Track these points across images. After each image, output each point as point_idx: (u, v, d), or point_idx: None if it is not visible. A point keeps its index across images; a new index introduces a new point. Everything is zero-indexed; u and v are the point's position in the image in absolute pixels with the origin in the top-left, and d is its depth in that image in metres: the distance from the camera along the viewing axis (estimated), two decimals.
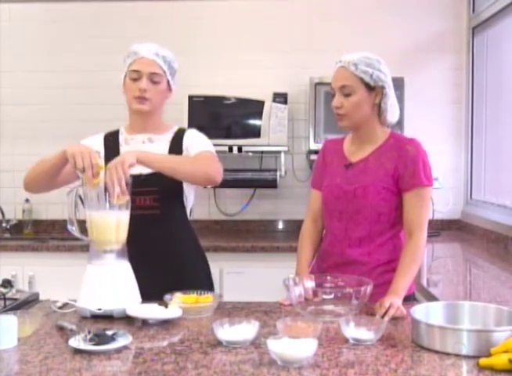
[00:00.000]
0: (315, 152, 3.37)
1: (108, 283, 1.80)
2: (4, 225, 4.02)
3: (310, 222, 2.20)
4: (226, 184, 3.69)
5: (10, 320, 1.56)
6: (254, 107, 3.67)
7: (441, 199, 3.92)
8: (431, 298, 2.21)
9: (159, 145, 2.16)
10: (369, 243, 2.03)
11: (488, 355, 1.38)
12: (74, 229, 1.92)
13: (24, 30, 4.08)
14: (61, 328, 1.68)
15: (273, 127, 3.64)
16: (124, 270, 1.86)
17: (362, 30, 3.91)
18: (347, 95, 1.98)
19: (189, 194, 2.22)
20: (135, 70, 2.10)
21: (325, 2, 3.98)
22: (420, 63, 3.95)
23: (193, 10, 4.01)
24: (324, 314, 1.77)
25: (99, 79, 3.97)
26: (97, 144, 2.16)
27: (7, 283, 1.96)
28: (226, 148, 3.63)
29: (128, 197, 1.85)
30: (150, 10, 4.01)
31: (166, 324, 1.72)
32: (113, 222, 1.84)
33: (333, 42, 3.80)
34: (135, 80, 2.09)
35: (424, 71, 3.95)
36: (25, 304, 1.94)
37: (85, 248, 2.04)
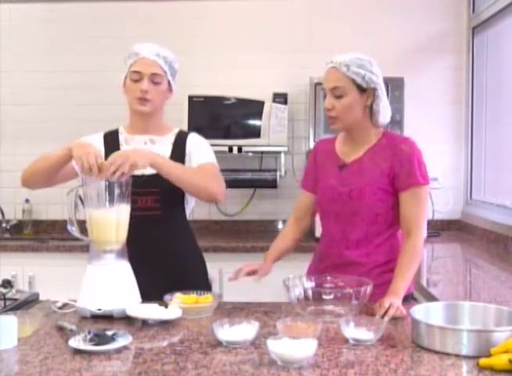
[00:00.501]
0: None
1: (108, 283, 1.80)
2: (4, 225, 4.02)
3: (293, 221, 2.22)
4: (226, 184, 3.70)
5: (10, 320, 1.56)
6: (254, 107, 3.67)
7: (441, 199, 3.92)
8: (431, 298, 2.21)
9: (161, 146, 2.16)
10: (367, 244, 2.03)
11: (488, 355, 1.38)
12: (74, 230, 1.92)
13: (24, 30, 4.08)
14: (61, 328, 1.68)
15: (273, 127, 3.64)
16: (124, 270, 1.86)
17: (362, 30, 3.91)
18: (338, 97, 1.96)
19: (190, 196, 2.22)
20: (136, 71, 2.09)
21: (325, 2, 3.98)
22: (420, 63, 3.95)
23: (193, 10, 4.01)
24: (324, 314, 1.77)
25: (99, 79, 3.97)
26: (97, 143, 2.15)
27: (7, 284, 1.96)
28: (226, 148, 3.63)
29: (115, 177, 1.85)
30: (150, 10, 4.00)
31: (166, 324, 1.72)
32: (113, 221, 1.84)
33: (333, 42, 3.80)
34: (136, 81, 2.09)
35: (424, 71, 3.95)
36: (25, 304, 1.94)
37: (85, 249, 2.04)
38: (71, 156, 1.90)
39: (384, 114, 2.02)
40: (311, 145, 3.64)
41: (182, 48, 3.44)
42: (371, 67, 1.97)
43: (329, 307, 1.79)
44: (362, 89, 1.96)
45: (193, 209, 2.31)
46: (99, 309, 1.77)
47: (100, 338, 1.51)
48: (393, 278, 1.89)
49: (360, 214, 2.01)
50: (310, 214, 2.22)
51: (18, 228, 4.02)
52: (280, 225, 4.01)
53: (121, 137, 2.20)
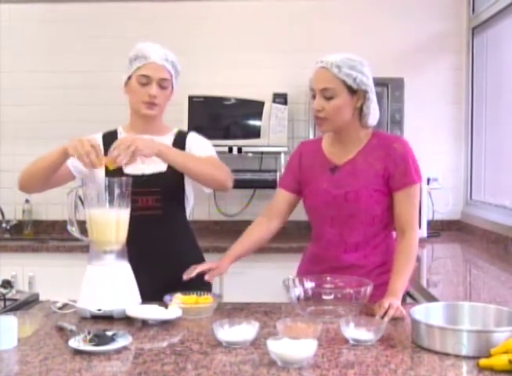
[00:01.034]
0: None
1: (108, 283, 1.80)
2: (4, 225, 4.02)
3: (264, 218, 2.15)
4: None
5: (10, 321, 1.56)
6: (254, 108, 3.67)
7: (441, 199, 3.92)
8: (431, 298, 2.21)
9: None
10: (364, 246, 2.02)
11: (488, 355, 1.38)
12: (74, 230, 1.92)
13: (24, 30, 4.08)
14: (61, 329, 1.68)
15: (273, 127, 3.64)
16: (124, 271, 1.86)
17: (362, 30, 3.92)
18: (328, 98, 1.92)
19: (190, 195, 2.22)
20: (144, 75, 2.07)
21: (325, 3, 3.98)
22: (420, 64, 3.95)
23: (194, 11, 4.01)
24: (324, 315, 1.76)
25: (100, 79, 3.97)
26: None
27: (7, 284, 1.96)
28: (226, 148, 3.62)
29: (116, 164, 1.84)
30: (150, 11, 4.01)
31: (166, 325, 1.72)
32: (112, 221, 1.84)
33: (333, 42, 3.80)
34: (143, 85, 2.08)
35: (424, 71, 3.95)
36: (25, 304, 1.94)
37: (85, 249, 2.04)
38: (67, 154, 1.89)
39: (374, 116, 1.99)
40: None
41: (182, 48, 3.44)
42: (362, 68, 1.93)
43: (329, 307, 1.78)
44: (352, 91, 1.92)
45: (193, 209, 2.31)
46: (99, 310, 1.77)
47: (100, 339, 1.51)
48: (390, 278, 1.89)
49: (357, 216, 1.99)
50: (284, 215, 2.15)
51: (18, 228, 4.02)
52: None
53: (120, 137, 2.20)
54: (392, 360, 1.44)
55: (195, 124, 3.54)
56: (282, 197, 2.14)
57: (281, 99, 3.66)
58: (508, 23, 3.44)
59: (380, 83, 3.54)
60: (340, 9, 3.97)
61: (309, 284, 1.88)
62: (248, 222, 4.07)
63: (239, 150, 3.66)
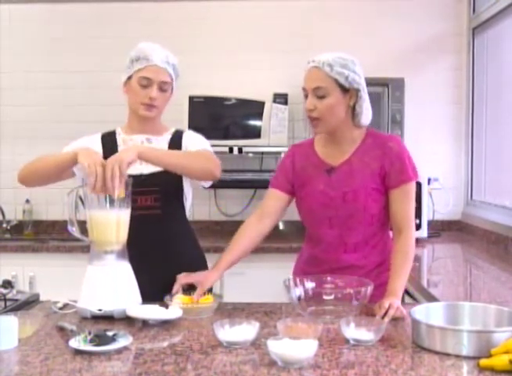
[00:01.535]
0: None
1: (108, 283, 1.80)
2: (4, 225, 4.02)
3: (255, 219, 2.08)
4: (226, 185, 3.71)
5: (11, 321, 1.56)
6: (255, 108, 3.67)
7: (441, 200, 3.92)
8: (431, 298, 2.20)
9: (157, 145, 2.16)
10: (364, 246, 2.03)
11: (489, 356, 1.38)
12: (75, 230, 1.92)
13: (24, 31, 4.08)
14: (61, 329, 1.68)
15: (273, 127, 3.64)
16: (125, 271, 1.86)
17: (362, 30, 3.92)
18: (320, 98, 1.92)
19: (188, 194, 2.22)
20: (145, 78, 2.07)
21: (325, 3, 3.98)
22: (420, 64, 3.95)
23: (194, 11, 4.01)
24: (324, 315, 1.76)
25: (100, 80, 3.97)
26: (95, 144, 2.15)
27: (7, 284, 1.96)
28: (226, 149, 3.62)
29: (125, 191, 1.84)
30: (150, 11, 4.01)
31: (166, 325, 1.72)
32: (113, 221, 1.84)
33: (333, 43, 3.80)
34: (144, 86, 2.08)
35: (424, 72, 3.95)
36: (25, 305, 1.94)
37: (86, 249, 2.04)
38: (76, 161, 1.88)
39: (367, 115, 1.99)
40: None
41: (182, 48, 3.44)
42: (354, 67, 1.93)
43: (330, 307, 1.78)
44: (344, 90, 1.92)
45: (194, 209, 2.31)
46: (100, 310, 1.77)
47: (101, 339, 1.51)
48: (389, 278, 1.89)
49: (356, 216, 1.99)
50: (277, 215, 2.10)
51: (18, 228, 4.02)
52: (280, 226, 4.01)
53: (119, 138, 2.19)
54: (393, 360, 1.44)
55: (195, 125, 3.53)
56: (275, 197, 2.10)
57: (281, 99, 3.66)
58: (508, 24, 3.44)
59: (380, 83, 3.55)
60: (340, 9, 3.97)
61: (310, 284, 1.88)
62: None
63: (240, 150, 3.66)
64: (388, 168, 1.97)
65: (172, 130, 2.23)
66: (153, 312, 1.75)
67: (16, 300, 1.95)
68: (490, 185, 3.75)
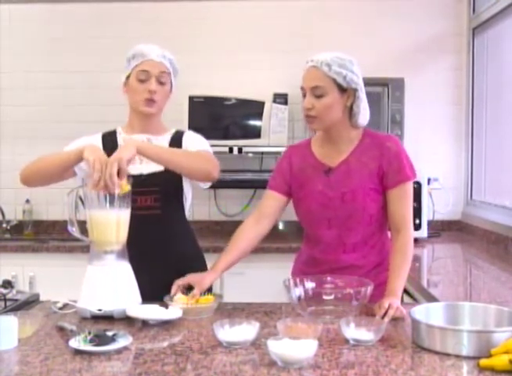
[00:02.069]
0: None
1: (108, 283, 1.80)
2: (4, 225, 4.02)
3: (253, 220, 2.08)
4: (226, 185, 3.71)
5: (10, 321, 1.56)
6: (255, 108, 3.67)
7: (441, 200, 3.92)
8: (431, 298, 2.20)
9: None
10: (363, 246, 2.03)
11: (489, 356, 1.38)
12: (75, 230, 1.92)
13: (24, 30, 4.08)
14: (61, 329, 1.69)
15: (273, 127, 3.63)
16: (125, 271, 1.86)
17: (362, 30, 3.92)
18: (318, 97, 1.93)
19: (188, 194, 2.22)
20: (143, 71, 2.08)
21: (325, 3, 3.98)
22: (420, 64, 3.95)
23: (194, 11, 4.01)
24: (324, 315, 1.76)
25: (100, 80, 3.97)
26: (95, 144, 2.15)
27: (7, 284, 1.96)
28: (226, 149, 3.62)
29: (129, 186, 1.84)
30: (150, 11, 4.01)
31: (166, 325, 1.72)
32: (113, 221, 1.84)
33: (333, 43, 3.80)
34: (142, 81, 2.08)
35: (424, 72, 3.95)
36: (25, 305, 1.94)
37: (86, 249, 2.04)
38: (81, 158, 1.88)
39: (364, 115, 1.99)
40: None
41: (182, 48, 3.44)
42: (352, 67, 1.94)
43: (330, 307, 1.78)
44: (342, 89, 1.93)
45: (194, 209, 2.31)
46: (100, 310, 1.77)
47: (100, 339, 1.51)
48: (389, 278, 1.89)
49: (355, 216, 1.99)
50: (275, 216, 2.10)
51: (18, 228, 4.02)
52: (280, 226, 4.02)
53: (119, 137, 2.20)
54: (393, 360, 1.44)
55: (195, 125, 3.53)
56: (273, 198, 2.10)
57: (281, 99, 3.66)
58: (508, 24, 3.44)
59: (380, 83, 3.55)
60: (340, 9, 3.97)
61: (310, 284, 1.88)
62: None
63: (240, 150, 3.66)
64: (386, 167, 1.97)
65: (173, 130, 2.23)
66: (153, 312, 1.75)
67: (16, 300, 1.95)
68: (490, 185, 3.75)
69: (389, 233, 2.05)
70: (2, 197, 4.03)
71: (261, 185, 3.84)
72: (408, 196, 1.98)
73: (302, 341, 1.44)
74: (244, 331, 1.56)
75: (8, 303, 1.89)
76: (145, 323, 1.73)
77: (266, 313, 1.85)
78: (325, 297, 1.79)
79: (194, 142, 2.19)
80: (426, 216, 3.57)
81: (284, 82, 3.86)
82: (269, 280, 2.83)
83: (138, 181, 2.03)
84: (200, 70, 3.91)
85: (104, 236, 1.84)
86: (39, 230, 4.05)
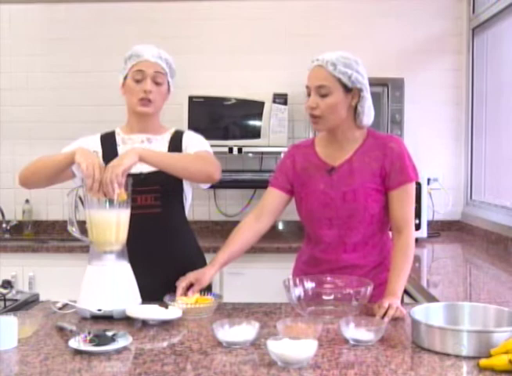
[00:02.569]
0: None
1: (108, 284, 1.80)
2: (4, 225, 4.02)
3: (253, 218, 2.09)
4: (226, 185, 3.72)
5: (10, 321, 1.56)
6: (254, 108, 3.67)
7: (441, 200, 3.92)
8: (431, 298, 2.20)
9: (157, 145, 2.16)
10: (363, 246, 2.03)
11: (489, 356, 1.38)
12: (74, 230, 1.92)
13: (24, 30, 4.08)
14: (61, 329, 1.68)
15: (273, 128, 3.64)
16: (124, 271, 1.86)
17: (362, 30, 3.92)
18: (323, 96, 1.92)
19: (188, 193, 2.22)
20: (138, 70, 2.08)
21: (325, 3, 3.98)
22: (419, 64, 3.95)
23: (194, 11, 4.01)
24: (324, 315, 1.76)
25: (100, 80, 3.97)
26: (94, 144, 2.16)
27: (7, 284, 1.96)
28: (226, 149, 3.63)
29: (125, 195, 1.84)
30: (150, 11, 4.01)
31: (166, 325, 1.72)
32: (113, 222, 1.84)
33: (333, 43, 3.80)
34: (138, 81, 2.08)
35: (424, 72, 3.95)
36: (25, 305, 1.94)
37: (85, 249, 2.04)
38: (73, 161, 1.88)
39: (368, 115, 1.99)
40: None
41: (182, 48, 3.46)
42: (357, 67, 1.94)
43: (330, 308, 1.78)
44: (347, 89, 1.93)
45: (194, 209, 2.31)
46: (99, 310, 1.77)
47: (100, 339, 1.51)
48: (389, 278, 1.89)
49: (356, 216, 1.99)
50: (276, 214, 2.10)
51: (18, 228, 4.02)
52: (280, 226, 4.02)
53: (118, 138, 2.20)
54: (392, 360, 1.44)
55: (195, 125, 3.54)
56: (274, 196, 2.10)
57: (281, 99, 3.66)
58: (508, 24, 3.44)
59: (380, 83, 3.55)
60: (340, 9, 3.97)
61: (309, 284, 1.88)
62: None
63: (240, 151, 3.66)
64: (389, 168, 1.97)
65: (172, 130, 2.23)
66: (153, 312, 1.75)
67: (16, 300, 1.94)
68: (490, 185, 3.75)
69: (390, 234, 2.06)
70: (2, 197, 4.03)
71: (260, 185, 3.87)
72: (410, 197, 1.99)
73: (302, 341, 1.44)
74: (244, 331, 1.56)
75: (7, 303, 1.89)
76: (145, 323, 1.73)
77: (266, 313, 1.85)
78: (325, 297, 1.79)
79: (194, 142, 2.18)
80: (426, 216, 3.57)
81: (284, 82, 3.87)
82: (269, 280, 2.83)
83: (138, 180, 2.03)
84: (199, 70, 3.92)
85: (104, 236, 1.84)
86: (39, 230, 4.05)
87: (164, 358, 1.46)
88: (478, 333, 1.46)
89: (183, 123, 3.58)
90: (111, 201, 1.83)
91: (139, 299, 1.86)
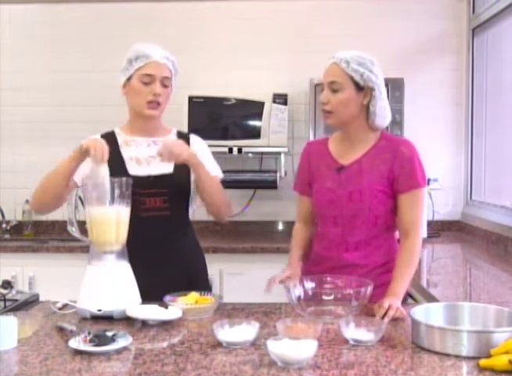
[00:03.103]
0: None
1: (108, 284, 1.80)
2: (4, 226, 4.02)
3: (301, 224, 2.19)
4: (226, 185, 3.69)
5: (10, 321, 1.56)
6: (254, 108, 3.67)
7: (441, 200, 3.92)
8: (431, 299, 2.21)
9: None
10: (365, 246, 2.03)
11: (489, 356, 1.38)
12: (74, 230, 1.92)
13: (24, 30, 4.08)
14: (61, 329, 1.68)
15: (273, 128, 3.64)
16: (124, 271, 1.85)
17: (362, 30, 3.92)
18: (335, 92, 1.96)
19: (194, 195, 2.22)
20: (148, 74, 2.06)
21: (325, 3, 3.98)
22: (420, 64, 3.95)
23: (194, 11, 4.01)
24: (324, 315, 1.76)
25: (100, 80, 3.97)
26: None
27: (7, 284, 1.96)
28: (226, 149, 3.63)
29: None
30: (151, 11, 4.01)
31: (166, 325, 1.72)
32: (113, 221, 1.83)
33: (332, 43, 3.78)
34: (146, 84, 2.07)
35: (424, 72, 3.95)
36: (25, 305, 1.94)
37: (85, 249, 2.04)
38: (82, 153, 1.90)
39: (381, 117, 2.00)
40: None
41: (182, 48, 3.45)
42: (371, 67, 1.97)
43: (329, 308, 1.78)
44: (359, 87, 1.95)
45: (195, 210, 2.31)
46: (99, 310, 1.77)
47: (100, 339, 1.51)
48: (392, 279, 1.90)
49: (360, 216, 2.00)
50: (314, 219, 2.18)
51: (18, 229, 4.02)
52: (280, 226, 4.02)
53: (120, 139, 2.18)
54: (392, 361, 1.44)
55: (195, 125, 3.54)
56: (304, 203, 2.17)
57: (281, 99, 3.66)
58: (508, 24, 3.44)
59: None
60: (340, 9, 3.97)
61: (309, 285, 1.88)
62: (248, 223, 4.10)
63: (239, 151, 3.66)
64: (398, 171, 1.97)
65: (174, 131, 2.23)
66: (153, 312, 1.75)
67: (16, 300, 1.95)
68: (490, 185, 3.75)
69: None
70: (2, 197, 4.03)
71: (260, 185, 3.88)
72: (419, 202, 1.99)
73: (302, 341, 1.44)
74: (244, 331, 1.56)
75: (7, 303, 1.89)
76: (145, 324, 1.73)
77: (266, 313, 1.85)
78: (325, 297, 1.79)
79: (205, 156, 2.19)
80: (426, 216, 3.57)
81: (284, 82, 3.87)
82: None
83: (147, 182, 2.04)
84: (199, 70, 3.92)
85: (104, 236, 1.84)
86: (39, 230, 4.05)
87: (164, 358, 1.46)
88: (478, 333, 1.46)
89: (183, 123, 3.58)
90: (112, 198, 1.82)
91: (139, 299, 1.86)
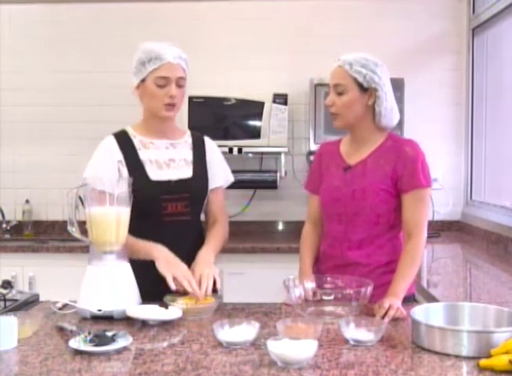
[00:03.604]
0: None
1: (108, 284, 1.80)
2: (4, 226, 4.02)
3: (310, 225, 2.21)
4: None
5: (10, 321, 1.56)
6: (254, 108, 3.67)
7: (441, 200, 3.92)
8: (431, 299, 2.21)
9: (182, 150, 2.15)
10: (368, 244, 2.03)
11: (489, 356, 1.38)
12: (74, 230, 1.91)
13: (24, 30, 4.08)
14: (61, 329, 1.68)
15: (273, 128, 3.64)
16: (124, 271, 1.86)
17: (362, 30, 3.92)
18: (339, 94, 1.99)
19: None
20: (163, 77, 2.03)
21: (325, 3, 3.98)
22: (419, 64, 3.95)
23: (194, 11, 4.01)
24: (324, 315, 1.76)
25: (100, 80, 3.97)
26: (112, 152, 2.08)
27: (7, 284, 1.96)
28: (226, 149, 3.62)
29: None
30: (151, 11, 4.00)
31: (166, 325, 1.72)
32: (113, 221, 1.83)
33: (333, 43, 3.80)
34: (162, 86, 2.03)
35: (424, 72, 3.95)
36: (25, 305, 1.94)
37: (85, 249, 2.04)
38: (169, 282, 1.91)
39: (387, 117, 2.01)
40: (312, 146, 3.64)
41: (182, 48, 3.42)
42: (375, 68, 1.98)
43: (330, 308, 1.79)
44: (363, 88, 1.97)
45: None
46: (99, 310, 1.77)
47: (100, 339, 1.51)
48: (393, 279, 1.90)
49: (362, 215, 2.01)
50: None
51: (18, 229, 4.02)
52: (280, 226, 4.02)
53: (136, 141, 2.12)
54: (392, 361, 1.44)
55: (195, 125, 3.54)
56: (314, 201, 2.19)
57: (281, 99, 3.66)
58: (508, 24, 3.44)
59: None
60: (340, 9, 3.97)
61: (309, 285, 1.88)
62: (248, 223, 4.10)
63: (240, 151, 3.66)
64: (401, 171, 1.98)
65: (188, 132, 2.23)
66: (153, 312, 1.75)
67: (16, 300, 1.95)
68: (490, 185, 3.75)
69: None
70: (2, 197, 4.03)
71: (260, 185, 3.88)
72: (422, 202, 1.99)
73: (302, 341, 1.44)
74: (244, 332, 1.56)
75: (7, 303, 1.89)
76: (145, 324, 1.73)
77: (266, 313, 1.85)
78: (325, 297, 1.79)
79: (219, 163, 2.23)
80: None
81: (284, 82, 3.87)
82: (269, 280, 2.83)
83: (168, 187, 2.04)
84: (199, 70, 3.89)
85: (104, 236, 1.84)
86: (39, 231, 4.05)
87: (164, 358, 1.46)
88: (478, 333, 1.46)
89: (183, 123, 3.57)
90: (111, 197, 1.83)
91: (139, 299, 1.86)
